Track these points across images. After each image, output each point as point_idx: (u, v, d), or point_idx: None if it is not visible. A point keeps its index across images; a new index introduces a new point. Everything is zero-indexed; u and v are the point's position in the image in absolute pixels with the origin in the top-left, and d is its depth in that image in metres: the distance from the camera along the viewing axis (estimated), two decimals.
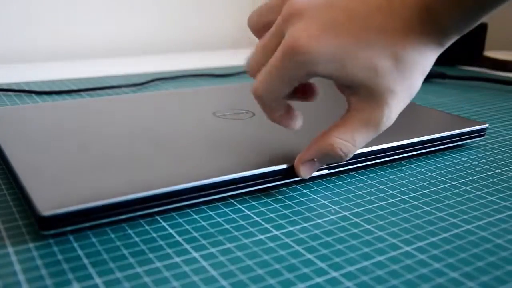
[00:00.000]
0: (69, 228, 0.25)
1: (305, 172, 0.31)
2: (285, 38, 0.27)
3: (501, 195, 0.32)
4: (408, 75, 0.27)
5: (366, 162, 0.35)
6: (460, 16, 0.26)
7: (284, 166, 0.31)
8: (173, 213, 0.29)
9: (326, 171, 0.33)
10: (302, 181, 0.33)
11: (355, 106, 0.28)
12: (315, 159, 0.30)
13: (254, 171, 0.30)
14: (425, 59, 0.27)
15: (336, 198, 0.31)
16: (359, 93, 0.27)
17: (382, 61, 0.26)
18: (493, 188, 0.33)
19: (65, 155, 0.31)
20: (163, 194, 0.27)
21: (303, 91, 0.31)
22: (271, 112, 0.30)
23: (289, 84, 0.28)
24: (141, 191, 0.27)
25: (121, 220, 0.28)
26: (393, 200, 0.31)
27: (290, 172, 0.31)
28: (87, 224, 0.26)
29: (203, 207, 0.29)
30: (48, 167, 0.29)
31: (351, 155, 0.29)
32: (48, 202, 0.25)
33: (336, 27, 0.26)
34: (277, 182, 0.31)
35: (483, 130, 0.40)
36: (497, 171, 0.36)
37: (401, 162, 0.37)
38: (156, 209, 0.28)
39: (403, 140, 0.36)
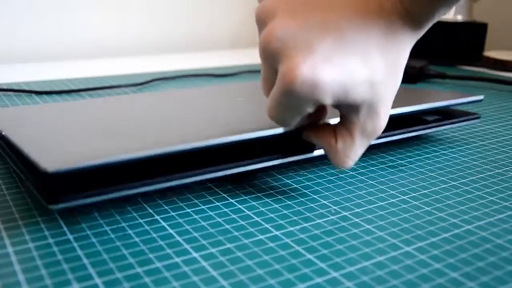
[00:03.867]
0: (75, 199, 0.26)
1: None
2: (281, 73, 0.26)
3: (501, 195, 0.32)
4: (394, 76, 0.27)
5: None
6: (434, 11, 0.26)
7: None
8: (173, 213, 0.29)
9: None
10: (302, 181, 0.33)
11: (356, 122, 0.28)
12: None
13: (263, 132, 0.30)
14: (406, 54, 0.28)
15: (336, 198, 0.31)
16: (361, 109, 0.27)
17: (377, 70, 0.26)
18: (493, 188, 0.33)
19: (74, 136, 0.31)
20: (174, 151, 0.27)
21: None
22: (291, 128, 0.30)
23: (299, 113, 0.27)
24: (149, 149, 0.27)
25: (121, 199, 0.28)
26: (393, 200, 0.31)
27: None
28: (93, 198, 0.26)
29: (203, 207, 0.29)
30: (58, 147, 0.29)
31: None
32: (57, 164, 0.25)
33: (331, 52, 0.25)
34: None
35: (479, 101, 0.41)
36: (497, 171, 0.36)
37: (401, 162, 0.37)
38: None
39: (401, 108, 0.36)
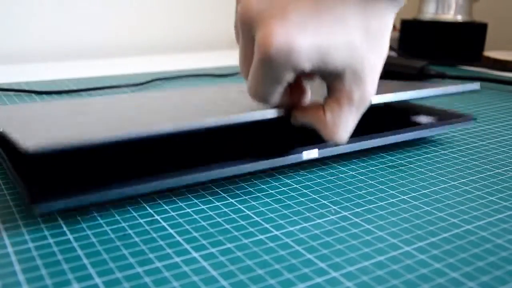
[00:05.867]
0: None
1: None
2: (257, 42, 0.26)
3: (501, 195, 0.32)
4: (377, 44, 0.28)
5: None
6: None
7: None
8: (173, 213, 0.29)
9: (316, 156, 0.33)
10: (302, 181, 0.33)
11: (341, 89, 0.28)
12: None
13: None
14: (388, 22, 0.28)
15: (336, 198, 0.31)
16: (344, 76, 0.27)
17: (357, 36, 0.27)
18: (493, 188, 0.33)
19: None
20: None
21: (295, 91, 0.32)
22: (274, 104, 0.30)
23: (280, 84, 0.28)
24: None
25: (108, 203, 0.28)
26: (393, 200, 0.31)
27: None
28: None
29: (203, 207, 0.29)
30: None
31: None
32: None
33: (306, 19, 0.26)
34: None
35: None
36: (497, 171, 0.36)
37: (401, 162, 0.37)
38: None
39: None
